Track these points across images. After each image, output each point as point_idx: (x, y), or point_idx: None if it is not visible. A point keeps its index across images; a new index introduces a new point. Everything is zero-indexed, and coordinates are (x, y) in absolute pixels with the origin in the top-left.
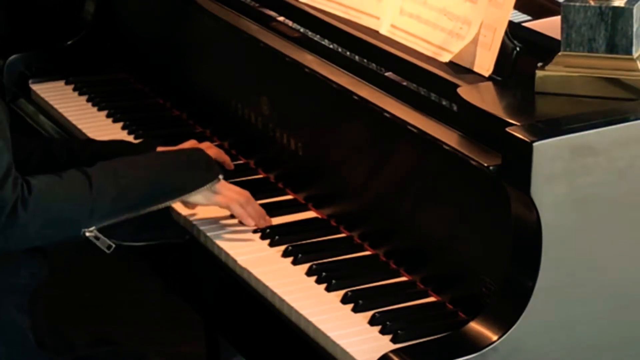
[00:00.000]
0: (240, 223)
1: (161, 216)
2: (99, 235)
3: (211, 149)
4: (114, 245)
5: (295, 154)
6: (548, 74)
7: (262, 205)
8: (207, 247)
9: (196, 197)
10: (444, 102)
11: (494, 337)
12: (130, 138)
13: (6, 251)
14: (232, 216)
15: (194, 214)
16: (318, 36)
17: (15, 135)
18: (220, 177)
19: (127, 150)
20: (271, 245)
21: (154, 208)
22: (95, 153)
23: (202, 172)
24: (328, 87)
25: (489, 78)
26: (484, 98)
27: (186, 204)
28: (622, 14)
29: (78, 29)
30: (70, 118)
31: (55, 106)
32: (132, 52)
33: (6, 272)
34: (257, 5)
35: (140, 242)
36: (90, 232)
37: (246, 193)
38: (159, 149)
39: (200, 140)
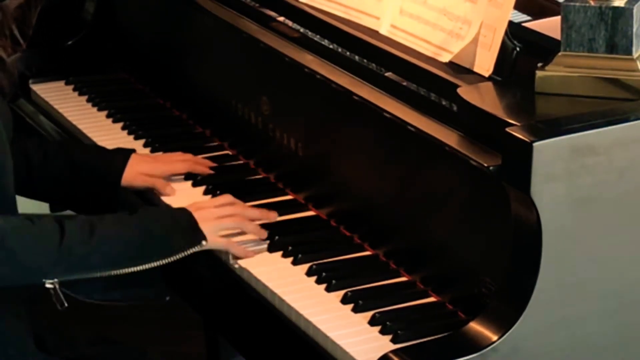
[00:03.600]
0: None
1: (136, 274)
2: (57, 289)
3: (186, 162)
4: (66, 305)
5: (295, 154)
6: (548, 74)
7: (262, 205)
8: None
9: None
10: (444, 102)
11: (494, 337)
12: (130, 138)
13: None
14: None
15: None
16: (318, 36)
17: None
18: (204, 242)
19: (102, 156)
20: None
21: (131, 270)
22: (70, 157)
23: (185, 237)
24: (328, 87)
25: (489, 78)
26: (484, 98)
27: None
28: (622, 14)
29: (78, 29)
30: (70, 118)
31: (55, 106)
32: (132, 52)
33: None
34: (257, 5)
35: (106, 302)
36: (50, 284)
37: (236, 209)
38: (134, 155)
39: (198, 140)
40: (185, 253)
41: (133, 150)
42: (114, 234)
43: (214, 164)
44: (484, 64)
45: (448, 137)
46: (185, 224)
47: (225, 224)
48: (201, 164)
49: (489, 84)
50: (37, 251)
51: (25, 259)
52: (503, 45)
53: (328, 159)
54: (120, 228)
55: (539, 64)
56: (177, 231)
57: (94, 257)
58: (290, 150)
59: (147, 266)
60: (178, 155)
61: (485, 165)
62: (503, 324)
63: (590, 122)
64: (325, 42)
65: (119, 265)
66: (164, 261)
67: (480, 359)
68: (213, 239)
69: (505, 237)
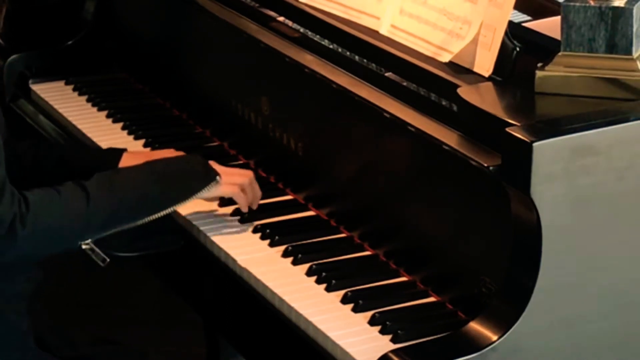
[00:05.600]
0: (239, 222)
1: (154, 224)
2: (95, 248)
3: None
4: (108, 259)
5: (295, 154)
6: (548, 74)
7: (262, 205)
8: (206, 247)
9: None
10: (444, 102)
11: (494, 337)
12: (130, 138)
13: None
14: (232, 215)
15: (193, 214)
16: (318, 36)
17: None
18: (218, 178)
19: (92, 156)
20: (271, 245)
21: (153, 217)
22: (61, 157)
23: (199, 177)
24: (328, 87)
25: (489, 78)
26: (484, 98)
27: None
28: (622, 14)
29: (78, 29)
30: (70, 118)
31: (55, 106)
32: (132, 52)
33: (1, 278)
34: (257, 5)
35: (134, 253)
36: (86, 245)
37: (249, 174)
38: (125, 154)
39: (199, 140)
40: (202, 192)
41: (125, 150)
42: (133, 183)
43: None
44: (484, 64)
45: (448, 137)
46: (199, 165)
47: (233, 179)
48: None
49: (489, 84)
50: (69, 218)
51: (59, 228)
52: (503, 45)
53: (328, 159)
54: (138, 176)
55: (539, 64)
56: (192, 171)
57: (121, 211)
58: (290, 150)
59: (169, 209)
60: (170, 152)
61: (485, 165)
62: (503, 324)
63: (590, 122)
64: (325, 42)
65: (145, 213)
66: (185, 202)
67: (480, 359)
68: (223, 185)
69: (505, 237)
